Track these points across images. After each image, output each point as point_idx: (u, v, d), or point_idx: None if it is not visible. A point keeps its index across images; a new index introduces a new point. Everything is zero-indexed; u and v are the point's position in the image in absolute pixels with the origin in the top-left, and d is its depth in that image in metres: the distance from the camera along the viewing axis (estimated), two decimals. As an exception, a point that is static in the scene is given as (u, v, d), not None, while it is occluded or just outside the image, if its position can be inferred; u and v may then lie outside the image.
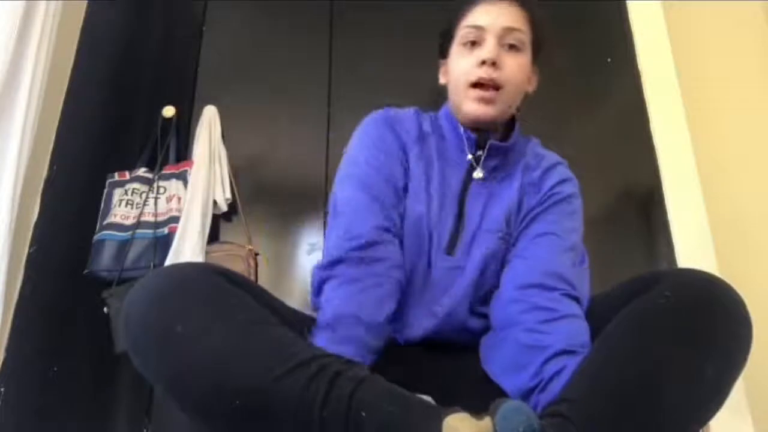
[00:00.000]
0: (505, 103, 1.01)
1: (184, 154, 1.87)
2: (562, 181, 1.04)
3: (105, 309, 1.64)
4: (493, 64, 0.98)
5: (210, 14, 2.07)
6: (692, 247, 1.71)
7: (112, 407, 1.65)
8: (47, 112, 1.79)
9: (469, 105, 1.00)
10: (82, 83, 1.98)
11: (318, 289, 0.90)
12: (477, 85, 1.00)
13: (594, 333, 0.78)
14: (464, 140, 1.04)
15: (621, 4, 2.02)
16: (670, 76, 1.90)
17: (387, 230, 0.94)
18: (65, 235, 1.80)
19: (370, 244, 0.90)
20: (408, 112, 1.10)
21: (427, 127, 1.08)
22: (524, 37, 1.01)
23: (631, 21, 2.00)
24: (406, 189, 1.01)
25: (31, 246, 1.78)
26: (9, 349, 1.67)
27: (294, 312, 0.90)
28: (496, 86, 0.99)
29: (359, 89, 1.95)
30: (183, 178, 1.77)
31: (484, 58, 0.98)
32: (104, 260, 1.65)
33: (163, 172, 1.80)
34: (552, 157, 1.10)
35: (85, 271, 1.66)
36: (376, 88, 1.91)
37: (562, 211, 1.00)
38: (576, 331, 0.81)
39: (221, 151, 1.84)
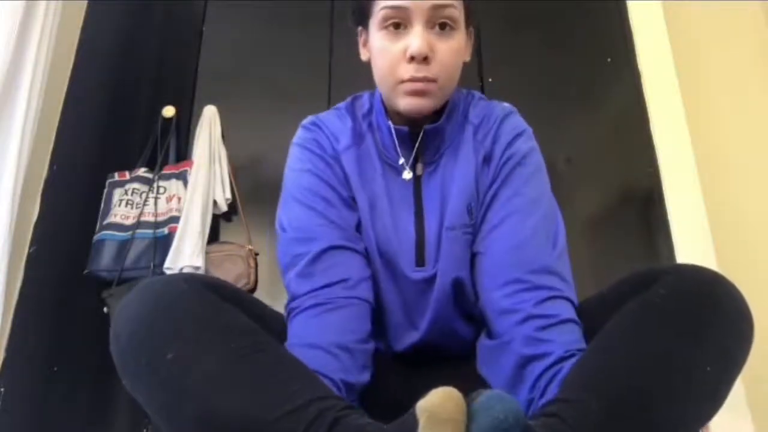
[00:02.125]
0: (444, 91, 0.89)
1: (184, 154, 1.87)
2: (513, 139, 0.92)
3: (105, 309, 1.64)
4: (425, 59, 0.84)
5: (210, 14, 2.07)
6: (692, 247, 1.71)
7: (112, 407, 1.65)
8: (47, 112, 1.79)
9: (402, 101, 0.87)
10: (82, 83, 1.98)
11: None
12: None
13: (591, 335, 0.76)
14: (394, 139, 0.93)
15: (621, 4, 2.02)
16: (670, 76, 1.90)
17: (340, 247, 0.87)
18: (65, 235, 1.80)
19: (323, 252, 0.85)
20: (338, 113, 0.99)
21: (362, 125, 0.97)
22: (456, 12, 0.85)
23: (631, 21, 2.00)
24: (354, 200, 0.93)
25: (31, 246, 1.78)
26: (9, 349, 1.67)
27: (282, 319, 0.87)
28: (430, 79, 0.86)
29: (359, 89, 1.95)
30: (183, 178, 1.77)
31: (412, 53, 0.83)
32: (104, 260, 1.65)
33: (163, 172, 1.80)
34: (497, 109, 0.96)
35: (85, 271, 1.66)
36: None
37: (519, 178, 0.89)
38: (572, 335, 0.79)
39: (221, 151, 1.85)
